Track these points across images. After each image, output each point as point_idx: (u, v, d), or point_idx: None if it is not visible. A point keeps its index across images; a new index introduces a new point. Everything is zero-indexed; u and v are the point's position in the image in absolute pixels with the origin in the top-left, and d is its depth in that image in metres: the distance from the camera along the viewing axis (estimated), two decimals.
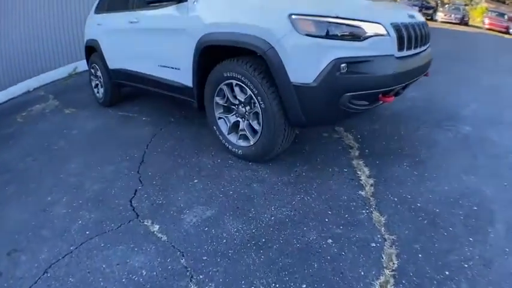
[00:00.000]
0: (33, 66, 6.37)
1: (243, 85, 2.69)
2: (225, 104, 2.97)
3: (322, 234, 2.20)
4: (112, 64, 4.33)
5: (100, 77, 4.55)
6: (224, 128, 3.06)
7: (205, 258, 2.09)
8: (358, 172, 2.78)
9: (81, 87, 5.71)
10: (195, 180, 2.81)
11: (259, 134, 2.76)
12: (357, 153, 3.01)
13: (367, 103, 2.59)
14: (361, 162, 2.88)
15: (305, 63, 2.41)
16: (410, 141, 3.13)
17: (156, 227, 2.35)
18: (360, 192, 2.57)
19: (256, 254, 2.09)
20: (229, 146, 3.02)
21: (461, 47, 9.73)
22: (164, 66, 3.43)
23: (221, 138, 3.08)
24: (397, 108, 3.62)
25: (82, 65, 6.65)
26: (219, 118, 3.08)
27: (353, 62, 2.38)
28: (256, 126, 2.79)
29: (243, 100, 2.78)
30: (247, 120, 2.85)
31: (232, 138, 3.01)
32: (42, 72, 6.48)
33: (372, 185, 2.63)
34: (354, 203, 2.46)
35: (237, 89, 2.80)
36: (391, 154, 2.93)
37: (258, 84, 2.58)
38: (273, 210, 2.40)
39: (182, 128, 3.73)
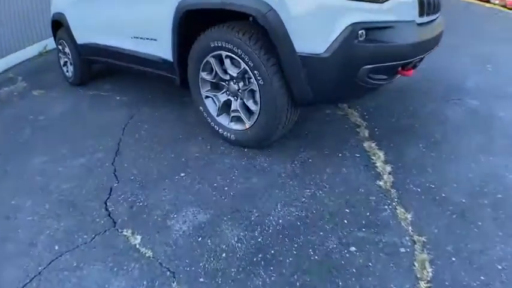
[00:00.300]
0: None
1: (235, 57, 2.08)
2: (213, 80, 2.35)
3: (343, 240, 1.70)
4: (80, 39, 3.61)
5: (68, 54, 3.89)
6: (213, 109, 2.44)
7: (202, 280, 1.56)
8: (372, 157, 2.30)
9: (51, 66, 4.93)
10: (182, 174, 2.22)
11: (256, 116, 2.18)
12: (366, 134, 2.55)
13: (385, 77, 2.14)
14: (373, 144, 2.39)
15: (314, 29, 1.83)
16: (420, 118, 2.71)
17: (138, 239, 1.78)
18: (378, 182, 2.03)
19: (265, 271, 1.58)
20: (220, 130, 2.42)
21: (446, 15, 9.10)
22: (138, 38, 2.75)
23: (209, 120, 2.47)
24: (399, 81, 3.19)
25: (53, 43, 5.91)
26: (206, 97, 2.45)
27: (372, 28, 1.82)
28: (252, 107, 2.20)
29: (235, 75, 2.17)
30: (241, 98, 2.25)
31: (223, 120, 2.41)
32: (10, 53, 5.62)
33: (390, 173, 2.10)
34: (374, 197, 1.93)
35: (227, 62, 2.18)
36: (403, 133, 2.44)
37: (254, 56, 1.99)
38: (279, 211, 1.86)
39: (162, 108, 3.08)
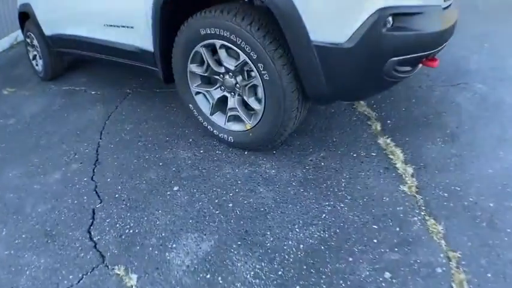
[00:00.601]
0: None
1: (233, 47, 1.65)
2: (205, 74, 1.89)
3: (376, 265, 1.37)
4: (48, 30, 3.05)
5: (37, 47, 3.34)
6: (205, 107, 2.00)
7: None
8: (391, 156, 1.98)
9: (22, 60, 4.30)
10: (175, 188, 1.79)
11: (259, 116, 1.76)
12: (378, 127, 2.24)
13: (410, 69, 1.82)
14: (388, 140, 2.08)
15: (335, 14, 1.41)
16: (431, 106, 2.40)
17: (134, 279, 1.39)
18: (401, 187, 1.67)
19: None
20: (215, 131, 1.99)
21: None
22: (112, 26, 2.25)
23: (201, 120, 2.03)
24: None
25: None
26: (197, 93, 1.99)
27: (401, 14, 1.43)
28: (254, 105, 1.78)
29: (232, 68, 1.73)
30: (239, 95, 1.83)
31: (218, 119, 1.98)
32: None
33: (412, 175, 1.73)
34: (401, 207, 1.59)
35: (222, 53, 1.74)
36: (418, 126, 2.10)
37: (257, 46, 1.55)
38: (298, 232, 1.50)
39: (144, 104, 2.58)
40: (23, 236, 1.70)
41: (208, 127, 2.02)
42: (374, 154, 1.91)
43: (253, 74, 1.72)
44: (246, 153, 1.96)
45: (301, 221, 1.57)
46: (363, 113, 2.23)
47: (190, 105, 2.03)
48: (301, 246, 1.46)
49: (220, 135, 1.98)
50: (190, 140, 2.12)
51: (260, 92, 1.75)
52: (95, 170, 1.99)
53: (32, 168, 2.11)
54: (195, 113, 2.04)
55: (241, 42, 1.60)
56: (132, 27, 2.08)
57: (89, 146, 2.18)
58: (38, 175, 2.05)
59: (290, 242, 1.48)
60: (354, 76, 1.53)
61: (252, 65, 1.64)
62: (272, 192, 1.71)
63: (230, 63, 1.74)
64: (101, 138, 2.25)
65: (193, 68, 1.91)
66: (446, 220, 1.57)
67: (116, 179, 1.89)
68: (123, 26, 2.14)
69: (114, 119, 2.43)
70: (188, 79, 1.96)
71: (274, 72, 1.58)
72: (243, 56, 1.65)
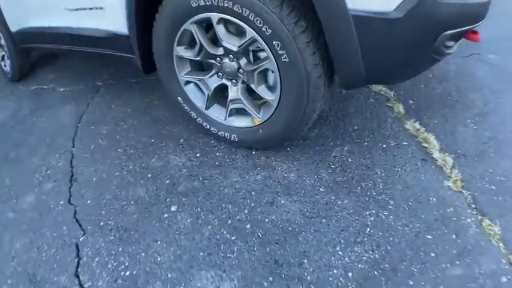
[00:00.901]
0: None
1: (237, 21, 1.21)
2: (196, 58, 1.43)
3: (440, 285, 1.09)
4: (14, 26, 2.51)
5: (4, 46, 2.81)
6: (198, 99, 1.54)
7: None
8: (424, 144, 1.51)
9: None
10: (172, 208, 1.36)
11: (273, 108, 1.34)
12: (401, 109, 1.89)
13: (453, 45, 1.48)
14: (416, 124, 1.60)
15: None
16: (451, 82, 2.02)
17: None
18: (445, 182, 1.36)
19: None
20: (212, 128, 1.56)
21: None
22: (77, 10, 1.75)
23: (194, 115, 1.58)
24: None
25: None
26: (187, 83, 1.53)
27: None
28: (267, 95, 1.35)
29: (235, 49, 1.29)
30: (244, 82, 1.40)
31: (216, 113, 1.53)
32: None
33: (453, 167, 1.42)
34: (451, 208, 1.28)
35: (220, 29, 1.28)
36: (443, 105, 1.80)
37: (272, 18, 1.12)
38: (341, 256, 1.14)
39: (118, 98, 2.09)
40: (9, 281, 1.25)
41: (204, 124, 1.60)
42: (405, 143, 1.58)
43: (262, 55, 1.31)
44: (253, 153, 1.57)
45: (342, 240, 1.22)
46: (380, 93, 1.88)
47: (179, 98, 1.59)
48: (350, 274, 1.12)
49: (220, 133, 1.57)
50: (181, 140, 1.68)
51: (272, 79, 1.36)
52: (71, 190, 1.52)
53: (5, 190, 1.63)
54: (186, 107, 1.60)
55: (248, 13, 1.17)
56: (101, 8, 1.57)
57: (61, 158, 1.69)
58: (11, 199, 1.55)
59: (335, 271, 1.13)
60: (399, 54, 1.15)
61: (263, 43, 1.21)
62: (298, 204, 1.34)
63: (232, 43, 1.30)
64: (74, 146, 1.75)
65: (181, 51, 1.44)
66: (500, 218, 1.28)
67: (98, 200, 1.44)
68: (91, 8, 1.62)
69: (86, 121, 1.92)
70: (175, 66, 1.49)
71: (295, 52, 1.18)
72: (250, 32, 1.21)
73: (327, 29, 1.11)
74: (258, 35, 1.20)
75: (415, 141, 1.59)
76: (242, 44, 1.27)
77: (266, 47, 1.21)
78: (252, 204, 1.34)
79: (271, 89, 1.35)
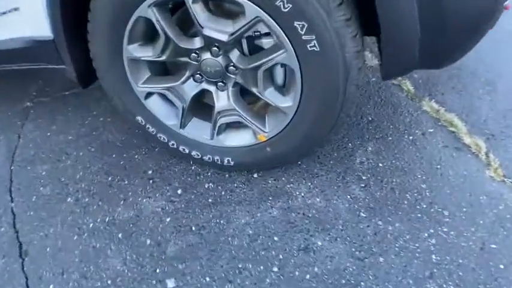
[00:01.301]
0: None
1: None
2: (160, 58, 0.94)
3: None
4: None
5: None
6: (168, 116, 1.07)
7: None
8: (451, 129, 1.22)
9: None
10: (169, 284, 0.91)
11: (289, 118, 0.93)
12: (410, 87, 1.32)
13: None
14: (432, 103, 1.30)
15: None
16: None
17: None
18: (487, 173, 1.16)
19: None
20: (194, 152, 1.10)
21: None
22: None
23: (163, 138, 1.10)
24: None
25: None
26: (148, 95, 1.04)
27: None
28: (279, 101, 0.93)
29: (224, 38, 0.83)
30: (237, 85, 0.97)
31: (198, 131, 1.07)
32: None
33: (487, 152, 1.20)
34: (501, 205, 1.07)
35: (197, 9, 0.81)
36: (449, 75, 1.55)
37: None
38: None
39: (53, 121, 1.47)
40: None
41: (181, 148, 1.11)
42: (431, 130, 1.29)
43: (266, 43, 0.87)
44: (255, 176, 1.14)
45: (411, 281, 0.90)
46: (379, 71, 1.57)
47: (139, 118, 1.07)
48: None
49: (205, 158, 1.10)
50: (150, 173, 1.18)
51: (281, 76, 0.93)
52: (25, 270, 0.95)
53: None
54: (150, 129, 1.09)
55: None
56: (16, 9, 0.94)
57: (2, 221, 1.08)
58: None
59: None
60: (465, 30, 0.83)
61: (275, 26, 0.78)
62: (340, 243, 0.97)
63: (220, 29, 0.83)
64: (12, 201, 1.13)
65: (135, 51, 0.93)
66: None
67: (62, 284, 0.91)
68: (4, 13, 0.96)
69: (20, 159, 1.26)
70: (127, 73, 0.98)
71: (330, 36, 0.77)
72: (253, 10, 0.77)
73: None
74: (267, 13, 0.75)
75: (440, 126, 1.33)
76: (237, 30, 0.81)
77: (280, 32, 0.77)
78: (280, 257, 0.94)
79: (282, 91, 0.92)
